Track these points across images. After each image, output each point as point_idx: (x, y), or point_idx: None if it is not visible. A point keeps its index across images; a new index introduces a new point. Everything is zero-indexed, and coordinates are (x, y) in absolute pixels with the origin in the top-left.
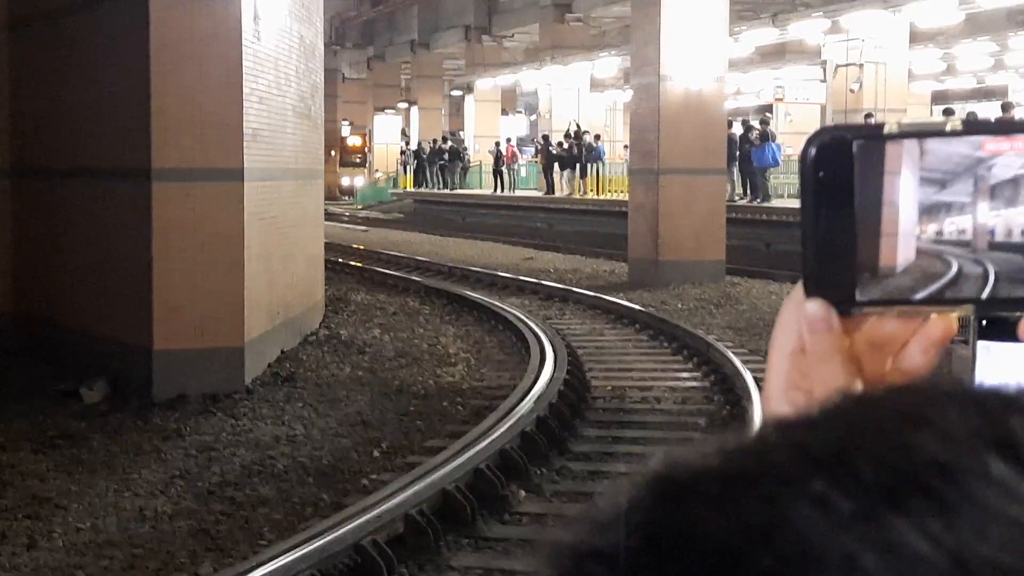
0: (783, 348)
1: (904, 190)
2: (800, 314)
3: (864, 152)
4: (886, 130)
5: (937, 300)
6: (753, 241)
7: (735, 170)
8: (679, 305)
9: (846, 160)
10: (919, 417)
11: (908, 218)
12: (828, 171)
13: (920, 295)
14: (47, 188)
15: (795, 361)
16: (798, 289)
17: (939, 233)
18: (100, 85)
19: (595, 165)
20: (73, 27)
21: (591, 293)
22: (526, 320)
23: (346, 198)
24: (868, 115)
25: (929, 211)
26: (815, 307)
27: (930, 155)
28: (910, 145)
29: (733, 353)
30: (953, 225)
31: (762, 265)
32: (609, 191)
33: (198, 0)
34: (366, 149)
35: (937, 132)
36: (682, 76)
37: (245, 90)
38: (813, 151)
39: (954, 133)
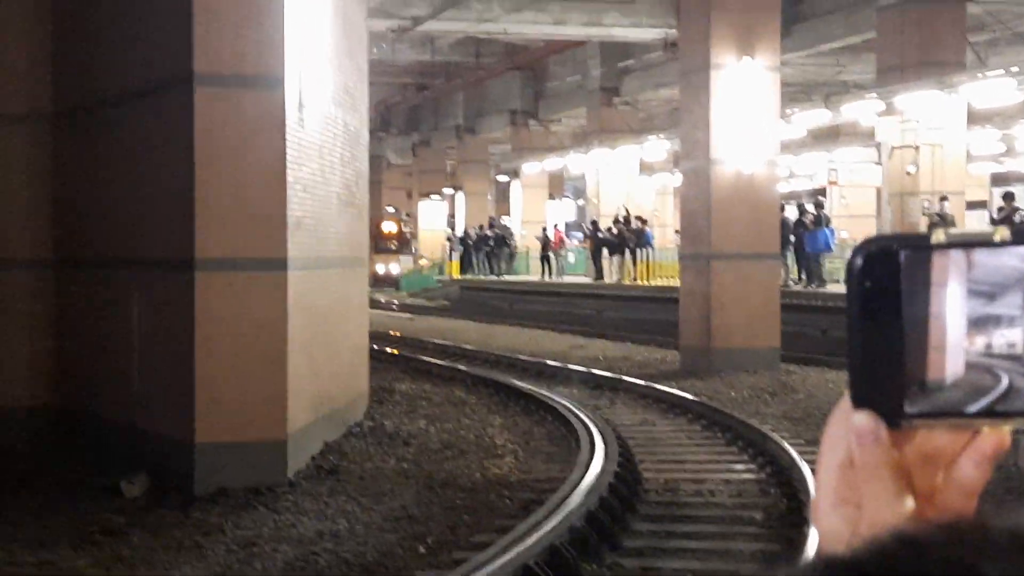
0: (831, 461)
1: (952, 302)
2: (848, 426)
3: (911, 263)
4: (933, 240)
5: (989, 413)
6: (808, 327)
7: (789, 255)
8: (732, 394)
9: (893, 270)
10: (969, 572)
11: (956, 331)
12: (875, 281)
13: (971, 408)
14: (89, 279)
15: (844, 474)
16: (845, 400)
17: (988, 347)
18: (144, 175)
19: (645, 250)
20: (117, 117)
21: (642, 382)
22: (575, 410)
23: (389, 288)
24: (943, 198)
25: (978, 324)
26: (863, 419)
27: (978, 267)
28: (957, 256)
29: (789, 443)
30: (1003, 338)
31: (818, 352)
32: (659, 277)
33: (242, 89)
34: (405, 234)
35: (985, 242)
36: (733, 159)
37: (289, 179)
38: (860, 261)
39: (1003, 244)
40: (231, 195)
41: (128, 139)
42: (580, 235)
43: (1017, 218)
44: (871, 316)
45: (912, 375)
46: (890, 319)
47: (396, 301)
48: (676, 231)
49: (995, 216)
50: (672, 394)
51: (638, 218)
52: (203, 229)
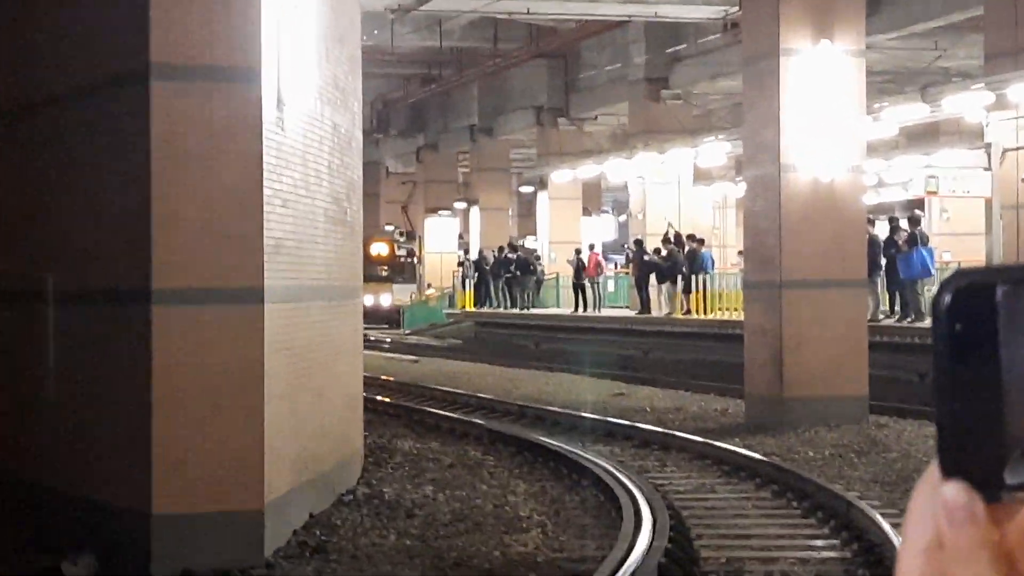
0: (916, 542)
1: None
2: (936, 500)
3: (1011, 299)
4: None
5: None
6: (903, 370)
7: (879, 281)
8: (810, 453)
9: (989, 310)
10: None
11: None
12: (967, 323)
13: None
14: (20, 314)
15: (931, 559)
16: (933, 470)
17: None
18: (90, 188)
19: (700, 277)
20: (57, 119)
21: (698, 439)
22: (616, 473)
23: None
24: None
25: None
26: (954, 492)
27: None
28: None
29: (880, 515)
30: None
31: (915, 401)
32: (719, 309)
33: (209, 84)
34: (399, 258)
35: None
36: (808, 165)
37: (266, 191)
38: (948, 299)
39: None
40: (196, 211)
41: (72, 145)
42: (622, 259)
43: None
44: (963, 365)
45: (1014, 437)
46: (987, 369)
47: (395, 340)
48: (739, 252)
49: None
50: (736, 453)
51: (691, 237)
52: (162, 253)
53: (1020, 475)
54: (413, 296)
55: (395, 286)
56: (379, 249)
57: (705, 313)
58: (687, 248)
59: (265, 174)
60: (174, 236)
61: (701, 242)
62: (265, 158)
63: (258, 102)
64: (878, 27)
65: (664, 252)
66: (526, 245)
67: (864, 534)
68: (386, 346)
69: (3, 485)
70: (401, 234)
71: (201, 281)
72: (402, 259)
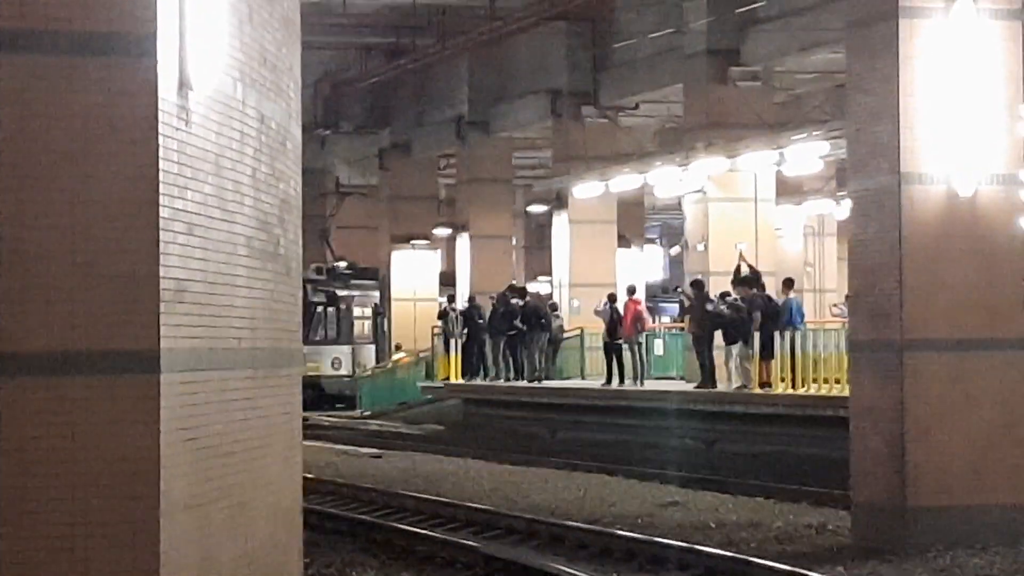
0: None
1: None
2: None
3: None
4: None
5: None
6: None
7: None
8: None
9: None
10: None
11: None
12: None
13: None
14: None
15: None
16: None
17: None
18: None
19: (788, 334)
20: None
21: (785, 567)
22: None
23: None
24: None
25: None
26: None
27: None
28: None
29: None
30: None
31: None
32: (815, 381)
33: (81, 57)
34: (339, 309)
35: None
36: (941, 173)
37: (163, 212)
38: None
39: None
40: (60, 240)
41: None
42: (675, 308)
43: None
44: None
45: None
46: None
47: (344, 426)
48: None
49: None
50: None
51: (787, 282)
52: (11, 301)
53: None
54: (352, 362)
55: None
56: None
57: (794, 385)
58: (769, 292)
59: (162, 187)
60: (27, 277)
61: (791, 285)
62: (162, 165)
63: (151, 85)
64: None
65: (735, 297)
66: (537, 290)
67: None
68: (336, 434)
69: None
70: (320, 271)
71: (68, 341)
72: (318, 308)
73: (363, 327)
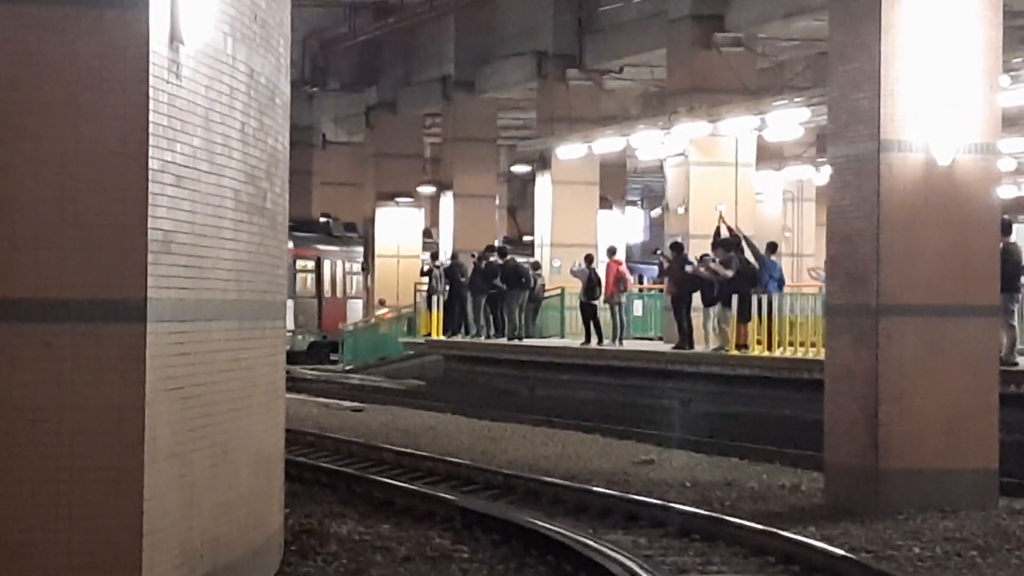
0: None
1: None
2: None
3: None
4: None
5: None
6: None
7: (1015, 309)
8: (915, 550)
9: None
10: None
11: None
12: None
13: None
14: None
15: None
16: None
17: None
18: None
19: (766, 297)
20: None
21: (758, 526)
22: (641, 574)
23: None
24: None
25: None
26: None
27: None
28: None
29: None
30: None
31: None
32: (790, 344)
33: (73, 9)
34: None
35: None
36: (920, 141)
37: (152, 164)
38: None
39: None
40: (49, 191)
41: None
42: (654, 269)
43: None
44: None
45: None
46: None
47: (327, 380)
48: (811, 269)
49: None
50: (811, 548)
51: (771, 245)
52: (1, 248)
53: None
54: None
55: None
56: None
57: (771, 348)
58: (747, 255)
59: (151, 140)
60: (18, 226)
61: (774, 248)
62: (152, 117)
63: (143, 37)
64: None
65: (714, 259)
66: (518, 246)
67: None
68: (318, 388)
69: None
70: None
71: (56, 290)
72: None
73: (305, 281)
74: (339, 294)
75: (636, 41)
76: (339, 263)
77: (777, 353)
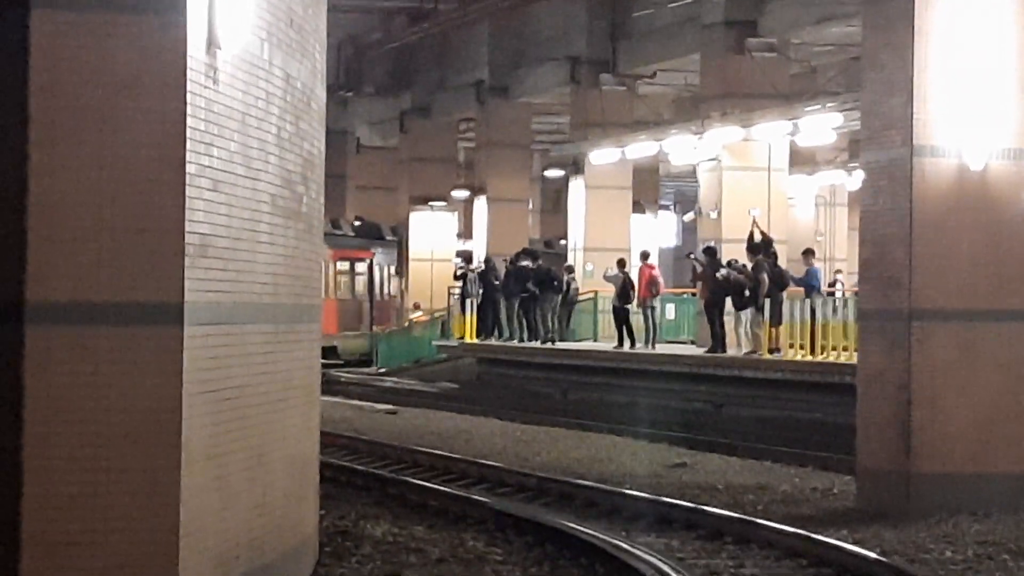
0: None
1: None
2: None
3: None
4: None
5: None
6: None
7: None
8: (948, 553)
9: None
10: None
11: None
12: None
13: None
14: None
15: None
16: None
17: None
18: None
19: (809, 302)
20: None
21: (790, 529)
22: None
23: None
24: None
25: None
26: None
27: None
28: None
29: None
30: None
31: None
32: (823, 348)
33: (111, 14)
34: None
35: None
36: (953, 147)
37: (190, 169)
38: None
39: None
40: (89, 195)
41: None
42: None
43: None
44: None
45: None
46: None
47: (360, 382)
48: (837, 273)
49: None
50: (843, 551)
51: (808, 251)
52: (40, 251)
53: None
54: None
55: None
56: None
57: (807, 352)
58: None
59: (189, 144)
60: (55, 229)
61: (811, 253)
62: (189, 122)
63: (181, 43)
64: None
65: (745, 264)
66: (554, 250)
67: None
68: (352, 390)
69: None
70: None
71: (94, 292)
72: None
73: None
74: (386, 295)
75: (669, 46)
76: (386, 266)
77: (811, 357)
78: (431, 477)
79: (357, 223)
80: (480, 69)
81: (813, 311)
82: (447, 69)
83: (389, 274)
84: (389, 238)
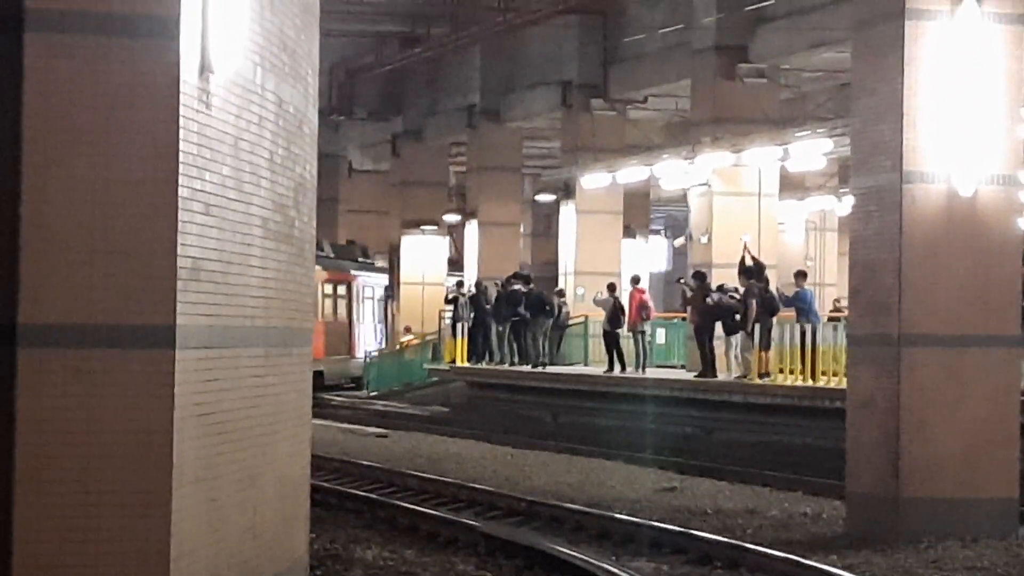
0: None
1: None
2: None
3: None
4: None
5: None
6: None
7: None
8: None
9: None
10: None
11: None
12: None
13: None
14: None
15: None
16: None
17: None
18: None
19: (810, 327)
20: None
21: (779, 554)
22: None
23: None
24: None
25: None
26: None
27: None
28: None
29: None
30: None
31: None
32: (813, 373)
33: (105, 38)
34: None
35: None
36: (942, 173)
37: (183, 192)
38: None
39: None
40: (82, 217)
41: None
42: (677, 299)
43: None
44: None
45: None
46: None
47: (351, 406)
48: (835, 304)
49: None
50: None
51: (799, 274)
52: (32, 274)
53: None
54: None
55: None
56: None
57: (797, 377)
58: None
59: (181, 167)
60: (48, 251)
61: (803, 276)
62: (182, 145)
63: (174, 66)
64: None
65: (735, 288)
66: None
67: None
68: (343, 414)
69: None
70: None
71: (86, 315)
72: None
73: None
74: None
75: (660, 72)
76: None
77: (801, 382)
78: (421, 500)
79: (345, 245)
80: (471, 93)
81: (803, 335)
82: (439, 93)
83: (366, 296)
84: (363, 259)
